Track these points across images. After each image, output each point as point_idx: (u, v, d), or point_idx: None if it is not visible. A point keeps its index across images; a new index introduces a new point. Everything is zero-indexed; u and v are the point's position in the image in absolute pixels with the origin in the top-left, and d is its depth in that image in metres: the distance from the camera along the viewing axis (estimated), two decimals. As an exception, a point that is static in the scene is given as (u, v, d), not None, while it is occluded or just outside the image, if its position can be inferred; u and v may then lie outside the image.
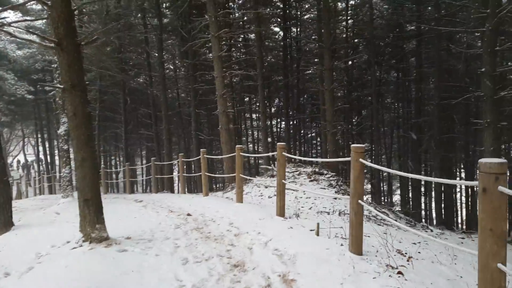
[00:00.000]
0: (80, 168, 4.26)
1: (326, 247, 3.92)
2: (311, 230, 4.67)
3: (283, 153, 5.35)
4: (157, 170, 12.00)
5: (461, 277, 3.44)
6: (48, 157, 28.36)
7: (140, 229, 5.41)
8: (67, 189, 9.46)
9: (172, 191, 14.74)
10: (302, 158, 5.60)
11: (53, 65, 9.84)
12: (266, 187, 8.68)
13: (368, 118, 20.65)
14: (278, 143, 5.42)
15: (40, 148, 29.39)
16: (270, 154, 6.25)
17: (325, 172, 9.47)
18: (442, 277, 3.31)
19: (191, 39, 12.95)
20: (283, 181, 5.38)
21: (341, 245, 4.00)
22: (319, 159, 5.48)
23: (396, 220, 7.99)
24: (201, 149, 8.27)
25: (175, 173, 16.62)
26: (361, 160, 3.56)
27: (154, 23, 16.81)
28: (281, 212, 5.45)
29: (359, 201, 3.59)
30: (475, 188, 11.92)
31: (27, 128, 32.32)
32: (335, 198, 8.39)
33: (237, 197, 6.83)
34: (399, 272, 3.21)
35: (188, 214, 6.34)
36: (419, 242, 4.86)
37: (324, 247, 3.92)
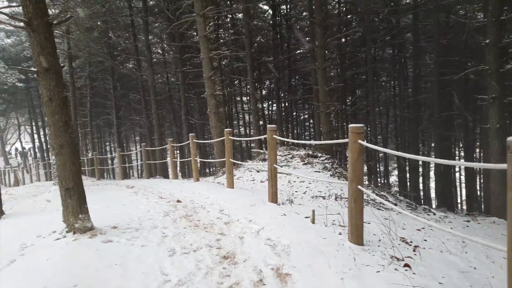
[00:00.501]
0: (59, 156, 4.02)
1: (323, 236, 3.76)
2: (306, 217, 4.52)
3: (274, 136, 5.14)
4: (148, 156, 11.75)
5: (474, 268, 3.25)
6: (44, 144, 27.96)
7: (128, 217, 5.23)
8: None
9: (166, 177, 14.56)
10: (295, 141, 5.36)
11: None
12: (258, 172, 8.50)
13: (363, 98, 20.41)
14: (268, 126, 5.19)
15: (36, 136, 28.95)
16: (261, 137, 6.02)
17: (319, 154, 9.30)
18: (454, 269, 3.10)
19: (177, 20, 12.47)
20: (274, 165, 5.19)
21: (339, 233, 3.84)
22: (313, 142, 5.28)
23: (396, 204, 7.90)
24: (190, 134, 8.02)
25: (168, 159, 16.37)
26: (359, 141, 3.35)
27: (139, 5, 16.22)
28: (273, 198, 5.28)
29: (359, 186, 3.39)
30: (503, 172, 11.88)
31: (22, 116, 31.79)
32: (331, 182, 8.26)
33: (227, 183, 6.65)
34: (406, 265, 2.98)
35: (178, 201, 6.16)
36: (423, 228, 4.72)
37: (321, 236, 3.75)
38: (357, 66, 19.48)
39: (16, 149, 41.71)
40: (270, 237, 3.92)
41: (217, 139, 8.29)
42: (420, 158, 3.10)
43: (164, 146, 13.08)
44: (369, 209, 6.37)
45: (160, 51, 21.92)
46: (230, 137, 6.54)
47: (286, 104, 21.83)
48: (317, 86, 11.98)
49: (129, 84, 20.17)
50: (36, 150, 30.72)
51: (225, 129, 6.57)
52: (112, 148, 26.00)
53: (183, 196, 6.61)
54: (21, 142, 39.00)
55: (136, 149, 26.64)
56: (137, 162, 23.17)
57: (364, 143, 3.34)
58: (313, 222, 4.30)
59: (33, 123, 27.48)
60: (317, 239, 3.68)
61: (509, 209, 1.80)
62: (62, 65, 4.06)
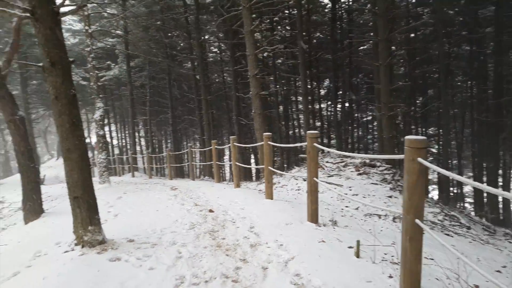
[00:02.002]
0: (66, 160, 3.64)
1: (368, 278, 2.90)
2: (349, 247, 3.64)
3: (315, 144, 4.29)
4: (193, 157, 11.47)
5: None
6: (114, 140, 29.50)
7: (151, 227, 4.78)
8: (104, 175, 9.29)
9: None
10: (339, 152, 4.37)
11: (87, 49, 9.55)
12: (305, 180, 7.63)
13: (435, 99, 18.26)
14: (308, 132, 4.37)
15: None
16: (299, 144, 5.17)
17: (378, 164, 8.15)
18: None
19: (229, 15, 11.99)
20: (314, 179, 4.34)
21: (390, 276, 2.94)
22: (360, 155, 4.28)
23: (469, 227, 6.55)
24: (231, 137, 7.45)
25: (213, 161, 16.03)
26: (420, 160, 2.41)
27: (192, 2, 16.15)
28: (313, 217, 4.44)
29: (417, 220, 2.45)
30: None
31: (90, 113, 33.86)
32: (390, 197, 7.14)
33: (266, 192, 5.93)
34: None
35: (210, 211, 5.60)
36: (505, 267, 3.58)
37: (364, 278, 2.90)
38: (428, 63, 17.45)
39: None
40: (299, 272, 3.14)
41: (260, 143, 7.61)
42: (485, 188, 2.05)
43: (207, 148, 12.79)
44: (433, 235, 5.25)
45: (217, 50, 21.86)
46: (269, 142, 5.81)
47: (347, 105, 20.44)
48: (378, 86, 10.71)
49: (186, 83, 20.39)
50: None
51: (264, 134, 5.86)
52: (168, 147, 26.69)
53: (218, 205, 6.04)
54: (89, 138, 42.19)
55: (194, 148, 27.11)
56: (190, 162, 23.44)
57: (426, 163, 2.40)
58: (357, 255, 3.41)
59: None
60: (359, 283, 2.81)
61: None
62: (72, 59, 3.64)
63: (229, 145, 7.53)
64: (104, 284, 3.04)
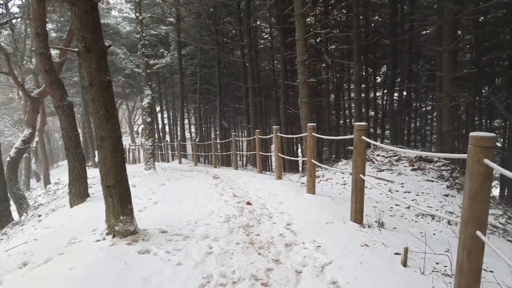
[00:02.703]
0: (100, 149, 3.58)
1: (415, 292, 2.48)
2: (396, 254, 3.22)
3: (363, 137, 3.85)
4: (237, 146, 11.34)
5: None
6: (166, 127, 30.38)
7: (187, 218, 4.69)
8: (149, 161, 9.48)
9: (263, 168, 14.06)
10: (389, 148, 3.82)
11: (137, 36, 9.70)
12: (351, 174, 7.13)
13: (503, 88, 16.36)
14: (356, 124, 3.93)
15: (159, 117, 31.50)
16: (345, 137, 4.71)
17: (435, 158, 7.39)
18: None
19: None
20: (361, 175, 3.91)
21: (441, 292, 2.50)
22: (414, 151, 3.62)
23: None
24: (274, 127, 7.14)
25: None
26: (486, 161, 1.95)
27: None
28: (357, 217, 4.03)
29: (478, 233, 2.01)
30: None
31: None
32: (446, 196, 6.43)
33: (307, 186, 5.57)
34: None
35: (248, 203, 5.39)
36: None
37: (410, 291, 2.49)
38: (498, 49, 15.59)
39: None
40: (337, 279, 2.81)
41: (304, 134, 7.20)
42: None
43: (251, 137, 12.58)
44: (495, 241, 4.58)
45: (268, 36, 21.43)
46: (313, 133, 5.42)
47: (405, 94, 19.07)
48: (441, 73, 9.70)
49: (236, 71, 20.31)
50: (160, 131, 33.95)
51: (309, 124, 5.47)
52: (218, 135, 26.97)
53: (257, 197, 5.81)
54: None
55: (242, 137, 27.17)
56: (233, 151, 23.52)
57: (495, 165, 1.92)
58: (404, 264, 2.99)
59: (155, 105, 29.71)
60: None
61: None
62: (108, 44, 3.55)
63: (273, 135, 7.23)
64: (127, 279, 2.94)
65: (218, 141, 14.40)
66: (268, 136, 7.93)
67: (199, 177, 9.34)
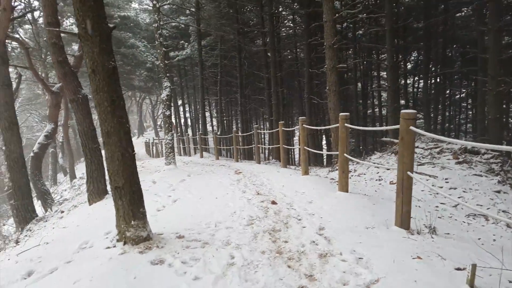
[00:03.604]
0: (106, 145, 3.16)
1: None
2: (456, 269, 2.63)
3: (412, 127, 3.23)
4: (259, 139, 10.82)
5: None
6: (188, 120, 30.16)
7: (206, 220, 4.24)
8: (169, 156, 9.14)
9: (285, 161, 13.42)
10: (438, 137, 3.16)
11: (154, 25, 9.30)
12: (388, 169, 6.49)
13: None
14: (403, 112, 3.32)
15: (181, 110, 31.25)
16: (387, 128, 4.06)
17: (483, 150, 6.60)
18: None
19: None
20: (408, 173, 3.30)
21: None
22: (464, 142, 2.91)
23: None
24: (300, 118, 6.55)
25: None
26: None
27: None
28: (403, 221, 3.44)
29: None
30: None
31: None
32: (498, 192, 5.68)
33: (339, 184, 5.00)
34: None
35: (273, 202, 4.87)
36: None
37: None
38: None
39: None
40: (388, 305, 2.25)
41: (335, 125, 6.59)
42: None
43: (274, 130, 11.99)
44: None
45: (291, 23, 20.62)
46: (346, 124, 4.82)
47: (438, 80, 17.90)
48: (484, 55, 8.76)
49: (257, 61, 19.68)
50: (182, 124, 33.86)
51: (340, 114, 4.87)
52: (239, 128, 26.51)
53: (282, 196, 5.29)
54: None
55: (264, 129, 26.59)
56: (255, 144, 22.89)
57: None
58: (471, 285, 2.40)
59: (177, 99, 29.40)
60: None
61: None
62: (112, 25, 3.09)
63: (298, 126, 6.66)
64: (136, 298, 2.50)
65: (239, 134, 13.92)
66: (292, 128, 7.35)
67: (220, 172, 8.92)
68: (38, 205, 11.93)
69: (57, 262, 3.25)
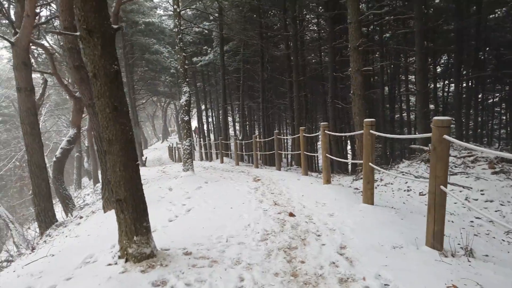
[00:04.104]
0: (108, 155, 2.95)
1: None
2: (501, 305, 2.22)
3: (445, 136, 2.85)
4: (280, 145, 10.51)
5: None
6: (211, 125, 30.18)
7: (217, 233, 3.96)
8: (187, 162, 8.97)
9: (306, 168, 13.06)
10: (482, 149, 2.68)
11: (174, 30, 9.22)
12: (417, 178, 6.02)
13: None
14: (435, 119, 2.93)
15: (204, 115, 31.21)
16: (417, 136, 3.64)
17: (523, 159, 6.01)
18: None
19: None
20: (442, 187, 2.91)
21: None
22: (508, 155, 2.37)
23: None
24: (322, 123, 6.20)
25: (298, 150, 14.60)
26: None
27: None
28: (436, 241, 3.04)
29: None
30: None
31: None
32: (543, 207, 5.12)
33: (364, 195, 4.62)
34: None
35: (291, 214, 4.55)
36: None
37: None
38: None
39: (196, 127, 47.37)
40: None
41: (359, 131, 6.20)
42: None
43: (296, 136, 11.60)
44: None
45: (315, 27, 20.23)
46: (372, 131, 4.44)
47: (469, 84, 17.00)
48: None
49: (279, 66, 19.40)
50: (204, 129, 33.90)
51: (365, 120, 4.51)
52: (260, 133, 26.21)
53: (301, 207, 4.95)
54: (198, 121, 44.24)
55: (286, 135, 26.20)
56: (276, 150, 22.42)
57: None
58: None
59: (200, 104, 29.44)
60: None
61: None
62: (117, 26, 2.89)
63: (320, 133, 6.31)
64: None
65: (259, 139, 13.64)
66: (314, 134, 6.98)
67: (238, 178, 8.66)
68: (60, 210, 12.08)
69: (57, 279, 3.07)
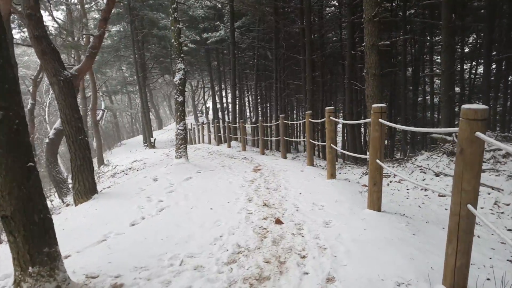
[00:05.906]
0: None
1: None
2: None
3: (478, 133, 1.90)
4: (286, 130, 9.56)
5: None
6: (224, 105, 29.20)
7: (174, 252, 3.11)
8: (180, 149, 8.23)
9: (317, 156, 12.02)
10: None
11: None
12: (437, 175, 5.03)
13: None
14: (464, 108, 1.98)
15: (217, 97, 30.18)
16: (439, 130, 2.63)
17: None
18: None
19: None
20: (469, 207, 1.99)
21: None
22: None
23: None
24: (326, 108, 5.23)
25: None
26: None
27: None
28: (456, 279, 2.15)
29: None
30: None
31: (206, 77, 33.47)
32: None
33: (369, 199, 3.72)
34: None
35: (277, 221, 3.72)
36: None
37: None
38: None
39: (208, 107, 46.58)
40: None
41: (367, 120, 5.19)
42: None
43: (301, 121, 10.62)
44: None
45: (336, 3, 18.71)
46: (381, 120, 3.50)
47: (500, 65, 15.37)
48: None
49: (295, 43, 18.11)
50: (212, 110, 32.80)
51: (373, 106, 3.56)
52: (273, 116, 25.08)
53: (294, 210, 4.10)
54: (205, 102, 43.42)
55: (296, 120, 25.04)
56: (281, 136, 21.30)
57: None
58: None
59: (213, 84, 28.29)
60: None
61: None
62: None
63: (324, 119, 5.37)
64: None
65: (265, 124, 12.70)
66: (319, 120, 6.00)
67: (238, 167, 7.87)
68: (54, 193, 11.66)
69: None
